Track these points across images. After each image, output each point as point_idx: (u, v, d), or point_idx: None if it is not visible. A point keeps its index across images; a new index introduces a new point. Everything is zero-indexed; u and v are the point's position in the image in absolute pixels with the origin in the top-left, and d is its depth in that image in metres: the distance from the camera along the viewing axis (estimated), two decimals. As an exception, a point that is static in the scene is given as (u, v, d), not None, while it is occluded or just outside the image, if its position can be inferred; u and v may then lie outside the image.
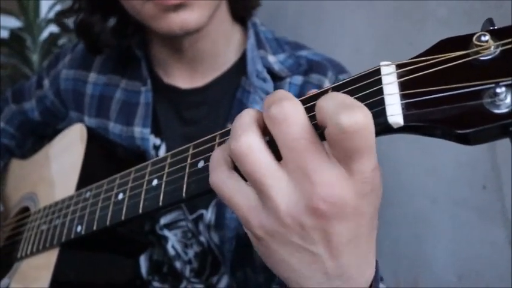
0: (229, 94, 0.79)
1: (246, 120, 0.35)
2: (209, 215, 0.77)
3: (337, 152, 0.32)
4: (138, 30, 0.80)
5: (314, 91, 0.39)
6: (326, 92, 0.37)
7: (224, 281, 0.80)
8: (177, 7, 0.66)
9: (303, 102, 0.37)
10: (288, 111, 0.33)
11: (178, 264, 0.81)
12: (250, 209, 0.35)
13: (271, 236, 0.35)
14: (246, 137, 0.34)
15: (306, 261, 0.35)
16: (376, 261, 0.39)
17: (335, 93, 0.33)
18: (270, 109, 0.33)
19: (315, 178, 0.32)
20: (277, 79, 0.77)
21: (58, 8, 1.53)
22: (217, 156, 0.37)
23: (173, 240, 0.81)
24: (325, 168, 0.32)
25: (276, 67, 0.77)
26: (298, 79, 0.77)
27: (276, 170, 0.34)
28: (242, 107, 0.76)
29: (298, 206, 0.33)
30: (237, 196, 0.36)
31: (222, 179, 0.36)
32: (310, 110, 0.35)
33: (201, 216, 0.78)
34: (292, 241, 0.35)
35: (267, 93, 0.75)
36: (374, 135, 0.32)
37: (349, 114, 0.30)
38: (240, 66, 0.79)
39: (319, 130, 0.34)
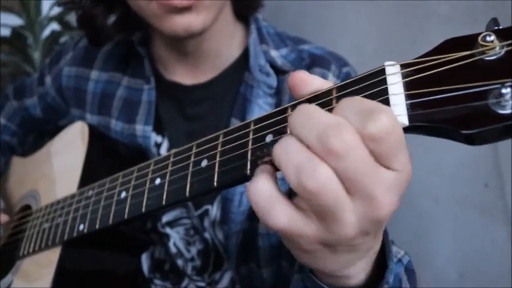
0: (232, 89, 0.79)
1: (303, 155, 0.32)
2: (215, 210, 0.77)
3: (379, 157, 0.32)
4: (140, 25, 0.80)
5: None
6: (330, 91, 0.37)
7: (226, 278, 0.80)
8: (182, 10, 0.65)
9: (312, 100, 0.37)
10: (351, 143, 0.31)
11: (180, 262, 0.81)
12: (317, 235, 0.34)
13: (327, 247, 0.35)
14: (321, 173, 0.31)
15: (356, 249, 0.36)
16: None
17: (348, 101, 0.32)
18: (331, 142, 0.31)
19: (377, 190, 0.32)
20: (280, 73, 0.77)
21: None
22: (271, 197, 0.34)
23: (175, 238, 0.81)
24: (381, 177, 0.32)
25: (279, 61, 0.77)
26: None
27: (345, 194, 0.32)
28: (246, 102, 0.76)
29: (364, 218, 0.33)
30: (309, 231, 0.34)
31: (294, 220, 0.34)
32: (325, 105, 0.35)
33: (206, 212, 0.78)
34: (350, 245, 0.35)
35: (270, 87, 0.75)
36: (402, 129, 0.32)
37: (375, 121, 0.30)
38: (243, 61, 0.79)
39: None
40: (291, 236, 0.34)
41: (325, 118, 0.32)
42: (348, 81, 0.36)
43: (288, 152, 0.33)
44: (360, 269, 0.40)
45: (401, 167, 0.32)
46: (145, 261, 0.83)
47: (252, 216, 0.73)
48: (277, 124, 0.40)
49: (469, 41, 0.32)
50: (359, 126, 0.31)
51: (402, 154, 0.32)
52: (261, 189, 0.34)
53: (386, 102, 0.33)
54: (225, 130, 0.44)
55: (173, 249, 0.81)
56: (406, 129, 0.33)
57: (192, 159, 0.47)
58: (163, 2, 0.64)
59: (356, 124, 0.31)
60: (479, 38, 0.31)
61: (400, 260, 0.51)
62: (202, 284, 0.81)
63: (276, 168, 0.36)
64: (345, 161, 0.31)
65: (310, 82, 0.38)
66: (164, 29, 0.68)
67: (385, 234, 0.42)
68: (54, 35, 1.54)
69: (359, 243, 0.35)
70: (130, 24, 0.81)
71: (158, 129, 0.82)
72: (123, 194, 0.57)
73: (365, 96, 0.34)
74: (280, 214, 0.33)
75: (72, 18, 0.84)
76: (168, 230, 0.81)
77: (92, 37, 0.82)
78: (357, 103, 0.32)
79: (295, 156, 0.32)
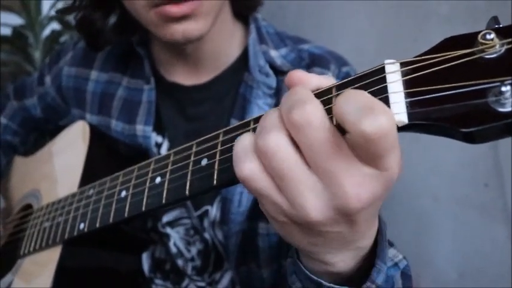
0: (232, 90, 0.79)
1: (273, 119, 0.35)
2: (214, 210, 0.77)
3: (363, 155, 0.32)
4: (139, 28, 0.80)
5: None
6: (330, 90, 0.37)
7: (226, 278, 0.80)
8: (181, 18, 0.65)
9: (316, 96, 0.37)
10: (311, 116, 0.32)
11: (180, 262, 0.82)
12: (281, 204, 0.36)
13: (295, 224, 0.36)
14: (275, 135, 0.34)
15: (328, 237, 0.37)
16: (379, 218, 0.42)
17: (354, 93, 0.32)
18: (292, 114, 0.33)
19: (346, 180, 0.32)
20: (279, 73, 0.77)
21: (60, 5, 1.53)
22: (245, 148, 0.36)
23: (175, 238, 0.81)
24: (354, 169, 0.32)
25: (278, 61, 0.77)
26: None
27: (305, 169, 0.34)
28: (245, 102, 0.76)
29: (328, 204, 0.34)
30: (269, 191, 0.35)
31: (255, 171, 0.35)
32: (325, 104, 0.35)
33: (206, 213, 0.78)
34: (318, 230, 0.36)
35: (270, 87, 0.75)
36: (397, 133, 0.32)
37: (372, 120, 0.29)
38: (243, 61, 0.79)
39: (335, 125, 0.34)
40: (254, 193, 0.36)
41: (304, 94, 0.34)
42: (347, 79, 0.36)
43: (264, 117, 0.36)
44: (338, 259, 0.40)
45: (387, 168, 0.32)
46: (145, 261, 0.83)
47: (251, 217, 0.73)
48: None
49: (469, 39, 0.32)
50: (355, 121, 0.30)
51: (392, 157, 0.32)
52: (243, 139, 0.37)
53: (385, 100, 0.33)
54: (225, 129, 0.45)
55: (173, 249, 0.81)
56: (406, 128, 0.33)
57: (192, 158, 0.47)
58: (161, 11, 0.65)
59: (352, 118, 0.31)
60: (479, 36, 0.31)
61: (396, 264, 0.51)
62: (202, 284, 0.82)
63: None
64: (303, 135, 0.33)
65: (308, 81, 0.38)
66: (163, 36, 0.68)
67: (380, 234, 0.42)
68: (55, 35, 1.54)
69: (329, 231, 0.36)
70: (129, 27, 0.81)
71: (159, 129, 0.82)
72: (124, 193, 0.57)
73: None
74: (246, 164, 0.35)
75: (72, 17, 0.83)
76: (168, 230, 0.81)
77: (90, 41, 0.82)
78: (359, 98, 0.31)
79: (266, 120, 0.35)
